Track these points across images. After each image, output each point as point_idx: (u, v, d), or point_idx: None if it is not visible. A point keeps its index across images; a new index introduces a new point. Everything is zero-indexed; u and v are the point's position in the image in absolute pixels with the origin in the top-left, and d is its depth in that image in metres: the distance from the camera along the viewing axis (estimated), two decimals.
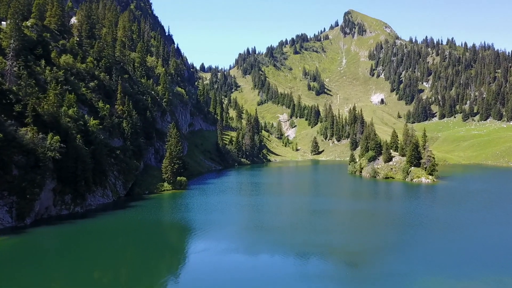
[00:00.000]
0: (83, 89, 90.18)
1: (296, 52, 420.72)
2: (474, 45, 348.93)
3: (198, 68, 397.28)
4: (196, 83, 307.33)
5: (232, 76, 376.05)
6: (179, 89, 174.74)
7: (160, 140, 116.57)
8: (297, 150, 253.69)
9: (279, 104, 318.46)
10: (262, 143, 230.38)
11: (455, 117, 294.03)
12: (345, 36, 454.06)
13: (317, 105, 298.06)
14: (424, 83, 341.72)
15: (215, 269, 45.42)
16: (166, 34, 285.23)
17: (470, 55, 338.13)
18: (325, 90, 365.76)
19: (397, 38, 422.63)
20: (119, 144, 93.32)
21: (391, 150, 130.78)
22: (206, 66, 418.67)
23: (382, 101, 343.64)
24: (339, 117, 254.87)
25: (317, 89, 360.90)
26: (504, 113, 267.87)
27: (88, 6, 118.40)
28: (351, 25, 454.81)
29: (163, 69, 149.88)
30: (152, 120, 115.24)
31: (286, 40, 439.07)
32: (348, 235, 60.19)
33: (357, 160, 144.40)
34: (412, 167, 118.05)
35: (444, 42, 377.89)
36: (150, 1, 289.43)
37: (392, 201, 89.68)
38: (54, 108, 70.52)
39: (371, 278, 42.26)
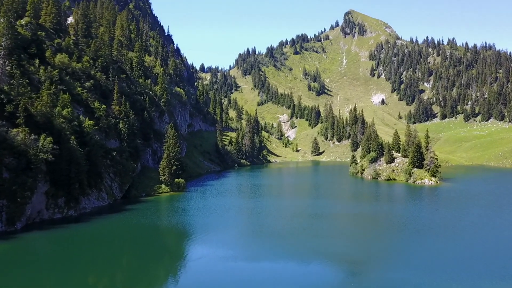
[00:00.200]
0: (79, 89, 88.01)
1: (296, 53, 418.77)
2: (475, 45, 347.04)
3: (198, 68, 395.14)
4: (195, 83, 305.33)
5: (232, 76, 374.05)
6: (178, 89, 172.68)
7: (158, 141, 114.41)
8: (297, 151, 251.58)
9: (279, 105, 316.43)
10: (262, 144, 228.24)
11: (456, 118, 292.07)
12: (345, 36, 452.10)
13: (318, 105, 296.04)
14: (425, 84, 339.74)
15: (212, 277, 43.28)
16: (166, 34, 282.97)
17: (471, 55, 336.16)
18: (326, 90, 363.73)
19: (398, 38, 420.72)
20: (115, 145, 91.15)
21: (393, 151, 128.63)
22: (206, 66, 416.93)
23: (382, 102, 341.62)
24: (339, 118, 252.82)
25: (318, 90, 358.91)
26: (506, 113, 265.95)
27: (85, 5, 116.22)
28: (352, 25, 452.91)
29: (162, 69, 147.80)
30: (149, 121, 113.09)
31: (286, 40, 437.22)
32: (351, 241, 57.95)
33: (359, 161, 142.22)
34: (415, 169, 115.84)
35: (445, 42, 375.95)
36: (150, 1, 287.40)
37: (395, 204, 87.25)
38: (47, 109, 68.38)
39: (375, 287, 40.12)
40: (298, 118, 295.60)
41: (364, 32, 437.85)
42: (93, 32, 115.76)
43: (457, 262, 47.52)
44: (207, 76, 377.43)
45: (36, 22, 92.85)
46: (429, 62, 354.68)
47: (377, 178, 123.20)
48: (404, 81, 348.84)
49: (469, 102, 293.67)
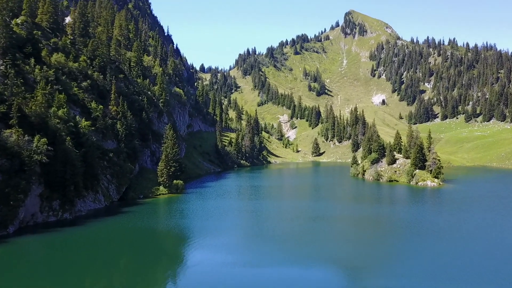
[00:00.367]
0: (75, 89, 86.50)
1: (296, 53, 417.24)
2: (476, 45, 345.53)
3: (198, 68, 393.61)
4: (195, 83, 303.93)
5: (232, 76, 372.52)
6: (177, 89, 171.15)
7: (157, 142, 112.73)
8: (297, 151, 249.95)
9: (280, 105, 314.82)
10: (262, 145, 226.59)
11: (457, 118, 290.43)
12: (345, 37, 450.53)
13: (318, 106, 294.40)
14: (426, 84, 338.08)
15: (211, 284, 41.64)
16: (165, 34, 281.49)
17: (472, 55, 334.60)
18: (326, 90, 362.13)
19: (398, 38, 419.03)
20: (112, 146, 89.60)
21: (395, 152, 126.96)
22: (206, 66, 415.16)
23: (383, 102, 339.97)
24: (340, 118, 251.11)
25: (318, 90, 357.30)
26: (507, 114, 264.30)
27: (82, 4, 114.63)
28: (352, 25, 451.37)
29: (161, 69, 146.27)
30: (148, 121, 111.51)
31: (287, 41, 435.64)
32: (354, 246, 56.27)
33: (360, 162, 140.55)
34: (417, 170, 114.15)
35: (446, 43, 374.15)
36: (149, 1, 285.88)
37: (398, 207, 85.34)
38: (42, 109, 66.88)
39: None
40: (299, 118, 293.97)
41: (365, 32, 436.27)
42: (90, 32, 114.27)
43: (463, 268, 45.90)
44: (207, 76, 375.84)
45: (32, 21, 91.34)
46: (430, 62, 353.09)
47: (379, 180, 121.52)
48: (404, 81, 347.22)
49: (470, 103, 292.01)
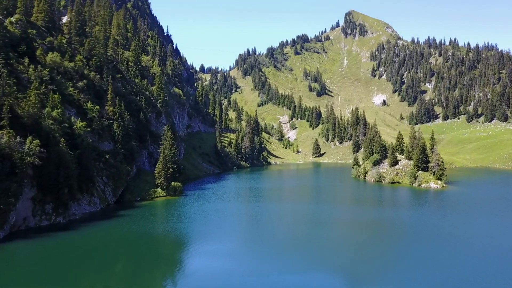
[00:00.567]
0: (71, 89, 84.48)
1: (296, 53, 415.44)
2: (477, 46, 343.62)
3: (197, 69, 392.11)
4: (195, 84, 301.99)
5: (232, 77, 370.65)
6: (176, 89, 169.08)
7: (155, 143, 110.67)
8: (298, 152, 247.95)
9: (280, 105, 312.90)
10: (262, 145, 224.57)
11: (459, 119, 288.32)
12: (346, 37, 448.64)
13: (318, 106, 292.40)
14: (427, 84, 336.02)
15: None
16: (165, 34, 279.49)
17: (473, 55, 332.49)
18: (326, 91, 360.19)
19: (399, 38, 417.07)
20: (109, 147, 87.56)
21: (397, 154, 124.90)
22: (206, 67, 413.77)
23: (384, 103, 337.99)
24: (341, 119, 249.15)
25: (318, 90, 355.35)
26: (509, 114, 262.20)
27: (79, 2, 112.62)
28: (352, 25, 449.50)
29: (159, 69, 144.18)
30: (146, 122, 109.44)
31: (287, 41, 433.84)
32: (358, 252, 54.13)
33: (361, 163, 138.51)
34: (420, 172, 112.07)
35: (447, 43, 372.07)
36: (149, 1, 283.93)
37: (402, 210, 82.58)
38: (35, 109, 64.83)
39: None
40: (299, 119, 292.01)
41: (365, 33, 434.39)
42: (87, 31, 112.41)
43: (472, 276, 43.82)
44: (207, 76, 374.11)
45: (26, 19, 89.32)
46: (431, 62, 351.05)
47: (381, 181, 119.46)
48: (405, 81, 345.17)
49: (472, 103, 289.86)
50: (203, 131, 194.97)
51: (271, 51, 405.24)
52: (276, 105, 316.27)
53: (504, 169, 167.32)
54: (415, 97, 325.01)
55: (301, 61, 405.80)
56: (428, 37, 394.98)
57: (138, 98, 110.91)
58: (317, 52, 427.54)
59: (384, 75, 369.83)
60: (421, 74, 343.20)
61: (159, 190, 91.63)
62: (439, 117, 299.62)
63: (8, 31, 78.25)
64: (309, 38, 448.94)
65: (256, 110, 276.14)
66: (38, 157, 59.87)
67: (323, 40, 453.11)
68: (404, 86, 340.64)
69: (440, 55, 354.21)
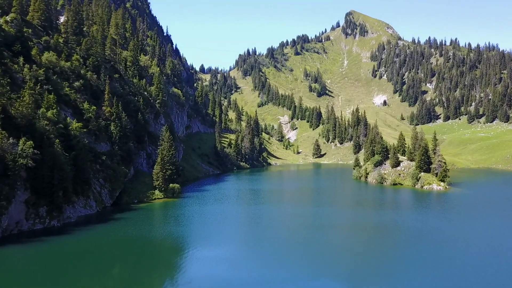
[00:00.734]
0: (67, 89, 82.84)
1: (297, 53, 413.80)
2: (478, 46, 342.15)
3: (197, 69, 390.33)
4: (195, 84, 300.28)
5: (232, 77, 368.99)
6: (176, 90, 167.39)
7: (153, 144, 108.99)
8: (298, 153, 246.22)
9: (280, 106, 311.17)
10: (262, 146, 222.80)
11: (460, 119, 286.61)
12: (346, 37, 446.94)
13: (319, 106, 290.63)
14: (428, 85, 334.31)
15: None
16: (165, 34, 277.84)
17: (474, 55, 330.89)
18: (327, 91, 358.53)
19: (400, 39, 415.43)
20: (106, 148, 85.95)
21: (399, 155, 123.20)
22: (206, 67, 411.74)
23: (384, 103, 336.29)
24: (341, 119, 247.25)
25: (319, 91, 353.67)
26: (511, 115, 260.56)
27: (77, 1, 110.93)
28: (353, 26, 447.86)
29: (158, 69, 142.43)
30: (144, 123, 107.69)
31: (287, 41, 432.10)
32: (360, 258, 52.47)
33: (362, 164, 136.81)
34: (422, 173, 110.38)
35: (448, 43, 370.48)
36: (148, 1, 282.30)
37: (406, 213, 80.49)
38: (29, 110, 63.20)
39: None
40: (299, 119, 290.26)
41: (366, 33, 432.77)
42: (85, 31, 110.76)
43: (479, 281, 42.15)
44: (207, 77, 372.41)
45: (22, 18, 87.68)
46: (432, 62, 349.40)
47: (382, 183, 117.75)
48: (406, 82, 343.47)
49: (473, 103, 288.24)
50: (203, 131, 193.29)
51: (271, 51, 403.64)
52: (276, 105, 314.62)
53: (507, 170, 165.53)
54: (416, 97, 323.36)
55: (301, 61, 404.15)
56: (429, 37, 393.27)
57: (136, 98, 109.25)
58: (318, 53, 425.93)
59: (385, 75, 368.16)
60: (422, 75, 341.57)
61: (157, 192, 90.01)
62: (440, 118, 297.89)
63: (2, 30, 76.75)
64: (310, 38, 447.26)
65: (256, 111, 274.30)
66: (32, 158, 58.30)
67: (323, 40, 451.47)
68: (404, 87, 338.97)
69: (441, 55, 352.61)
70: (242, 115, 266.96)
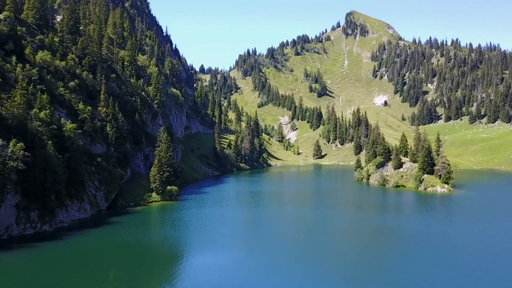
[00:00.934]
0: (61, 89, 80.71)
1: (297, 53, 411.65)
2: (479, 46, 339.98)
3: (197, 69, 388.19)
4: (195, 84, 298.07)
5: (232, 77, 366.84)
6: (174, 90, 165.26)
7: (151, 145, 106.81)
8: (298, 154, 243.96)
9: (280, 106, 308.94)
10: (262, 147, 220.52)
11: (461, 120, 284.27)
12: (347, 37, 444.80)
13: (319, 107, 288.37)
14: (429, 85, 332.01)
15: None
16: (164, 34, 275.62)
17: (476, 56, 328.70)
18: (327, 92, 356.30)
19: (400, 39, 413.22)
20: (101, 150, 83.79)
21: (401, 156, 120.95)
22: (206, 67, 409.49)
23: (385, 103, 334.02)
24: (342, 120, 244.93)
25: (319, 91, 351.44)
26: None
27: (73, 0, 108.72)
28: (353, 26, 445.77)
29: (156, 68, 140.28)
30: (141, 123, 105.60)
31: (287, 41, 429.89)
32: (364, 264, 50.27)
33: (364, 166, 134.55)
34: (425, 175, 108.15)
35: (449, 43, 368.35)
36: (148, 1, 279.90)
37: (411, 217, 78.03)
38: (20, 110, 61.01)
39: None
40: (300, 120, 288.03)
41: (366, 33, 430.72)
42: (82, 30, 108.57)
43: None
44: (207, 77, 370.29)
45: (15, 16, 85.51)
46: (433, 63, 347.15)
47: (384, 185, 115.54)
48: (407, 82, 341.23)
49: (475, 104, 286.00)
50: (202, 132, 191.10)
51: (271, 52, 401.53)
52: (276, 106, 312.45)
53: (511, 172, 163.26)
54: (417, 98, 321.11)
55: (301, 61, 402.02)
56: (430, 38, 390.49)
57: (133, 98, 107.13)
58: (318, 53, 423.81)
59: (386, 75, 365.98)
60: (423, 75, 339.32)
61: (154, 194, 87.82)
62: (441, 118, 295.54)
63: None
64: (310, 38, 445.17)
65: (256, 111, 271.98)
66: (23, 161, 56.24)
67: (323, 40, 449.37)
68: (405, 87, 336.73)
69: (442, 55, 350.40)
70: (242, 115, 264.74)
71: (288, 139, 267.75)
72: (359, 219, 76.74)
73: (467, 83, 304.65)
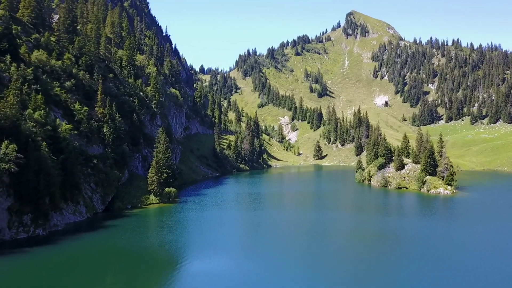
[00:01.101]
0: (57, 89, 79.05)
1: (297, 54, 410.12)
2: (480, 46, 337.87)
3: (197, 70, 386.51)
4: (194, 85, 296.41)
5: (232, 78, 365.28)
6: (173, 90, 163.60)
7: (149, 146, 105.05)
8: (299, 154, 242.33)
9: (280, 107, 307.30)
10: (262, 148, 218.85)
11: (462, 120, 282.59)
12: (347, 37, 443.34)
13: (320, 107, 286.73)
14: (430, 85, 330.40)
15: None
16: (164, 34, 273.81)
17: (477, 56, 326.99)
18: (328, 92, 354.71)
19: (401, 39, 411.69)
20: (98, 151, 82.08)
21: (403, 157, 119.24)
22: (206, 68, 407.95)
23: (386, 104, 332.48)
24: (342, 120, 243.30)
25: (319, 91, 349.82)
26: None
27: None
28: (354, 26, 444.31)
29: (155, 68, 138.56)
30: (139, 124, 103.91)
31: (288, 42, 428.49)
32: (366, 268, 48.58)
33: (365, 167, 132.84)
34: (428, 176, 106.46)
35: (450, 43, 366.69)
36: (147, 0, 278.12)
37: (414, 219, 75.96)
38: (13, 111, 59.33)
39: None
40: (300, 120, 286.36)
41: (367, 33, 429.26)
42: (79, 29, 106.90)
43: None
44: (207, 77, 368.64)
45: (11, 15, 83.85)
46: (434, 63, 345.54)
47: (386, 186, 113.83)
48: (408, 82, 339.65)
49: (476, 104, 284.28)
50: (202, 133, 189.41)
51: (271, 52, 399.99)
52: (276, 106, 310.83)
53: None
54: (418, 98, 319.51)
55: (302, 62, 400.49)
56: (431, 38, 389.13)
57: (131, 99, 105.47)
58: (318, 53, 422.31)
59: (386, 76, 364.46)
60: (424, 75, 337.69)
61: (151, 196, 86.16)
62: (442, 119, 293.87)
63: None
64: (310, 38, 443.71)
65: (256, 112, 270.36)
66: (15, 163, 54.67)
67: (324, 40, 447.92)
68: (406, 87, 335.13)
69: (443, 55, 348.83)
70: (242, 116, 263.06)
71: (289, 139, 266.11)
72: (360, 221, 75.07)
73: (468, 83, 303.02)
